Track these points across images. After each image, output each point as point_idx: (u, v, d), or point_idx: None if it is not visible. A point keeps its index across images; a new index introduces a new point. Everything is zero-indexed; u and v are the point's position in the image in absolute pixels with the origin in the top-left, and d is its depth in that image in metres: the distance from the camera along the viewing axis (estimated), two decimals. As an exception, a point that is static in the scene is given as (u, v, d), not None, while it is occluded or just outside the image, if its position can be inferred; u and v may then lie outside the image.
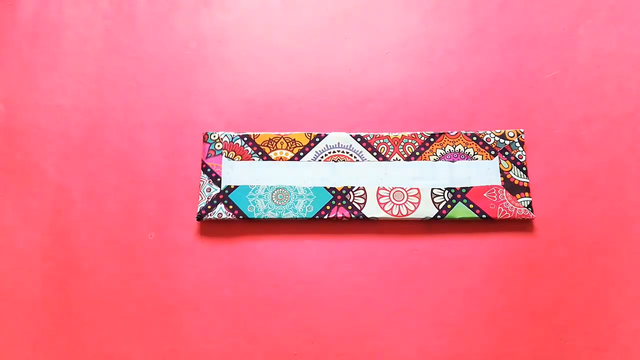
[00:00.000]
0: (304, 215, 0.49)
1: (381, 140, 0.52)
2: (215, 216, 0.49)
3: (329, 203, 0.50)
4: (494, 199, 0.50)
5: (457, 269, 0.49)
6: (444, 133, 0.52)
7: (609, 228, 0.49)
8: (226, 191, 0.50)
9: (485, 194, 0.50)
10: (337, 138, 0.52)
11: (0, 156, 0.54)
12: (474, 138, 0.52)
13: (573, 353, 0.46)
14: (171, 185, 0.52)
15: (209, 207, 0.50)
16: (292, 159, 0.52)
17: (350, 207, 0.50)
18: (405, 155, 0.52)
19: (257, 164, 0.52)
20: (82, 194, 0.52)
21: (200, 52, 0.58)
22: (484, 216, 0.49)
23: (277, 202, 0.50)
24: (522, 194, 0.50)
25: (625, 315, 0.47)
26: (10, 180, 0.53)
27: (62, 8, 0.60)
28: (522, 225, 0.50)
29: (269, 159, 0.52)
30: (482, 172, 0.51)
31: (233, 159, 0.52)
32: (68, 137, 0.54)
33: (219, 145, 0.52)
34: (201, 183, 0.51)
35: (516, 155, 0.51)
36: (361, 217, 0.49)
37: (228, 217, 0.49)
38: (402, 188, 0.50)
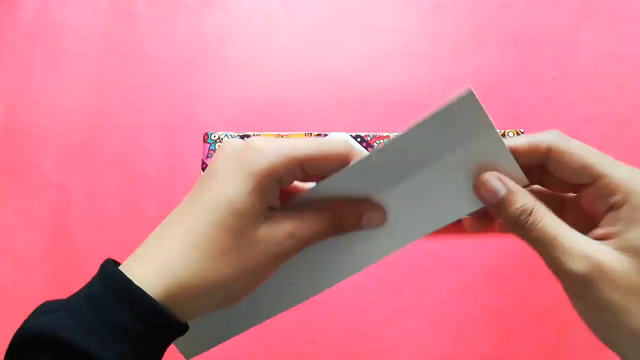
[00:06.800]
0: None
1: (381, 141, 0.52)
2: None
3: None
4: (494, 199, 0.50)
5: (457, 268, 0.49)
6: (444, 133, 0.52)
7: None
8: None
9: (485, 194, 0.50)
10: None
11: (1, 156, 0.54)
12: (474, 138, 0.52)
13: (573, 353, 0.46)
14: (171, 185, 0.52)
15: (209, 207, 0.50)
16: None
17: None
18: (405, 156, 0.52)
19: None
20: (82, 194, 0.52)
21: (200, 53, 0.58)
22: (484, 216, 0.49)
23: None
24: (522, 194, 0.50)
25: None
26: (11, 180, 0.53)
27: (62, 9, 0.60)
28: (522, 225, 0.50)
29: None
30: None
31: (233, 159, 0.52)
32: (68, 137, 0.54)
33: (219, 145, 0.52)
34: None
35: (516, 156, 0.51)
36: (361, 217, 0.49)
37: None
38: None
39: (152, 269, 0.22)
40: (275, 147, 0.23)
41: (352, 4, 0.60)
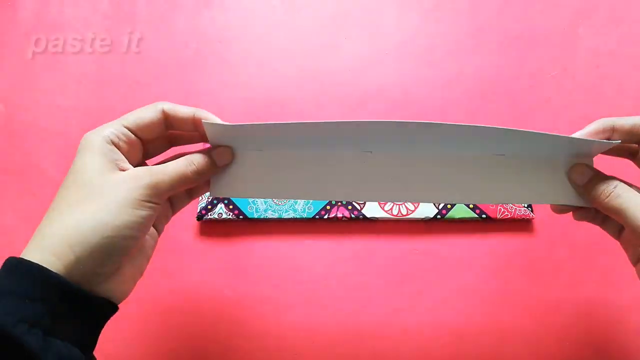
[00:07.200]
0: (304, 215, 0.49)
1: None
2: (215, 216, 0.49)
3: (329, 203, 0.50)
4: (494, 199, 0.50)
5: (456, 268, 0.49)
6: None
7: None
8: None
9: (485, 194, 0.50)
10: (337, 138, 0.53)
11: (1, 156, 0.54)
12: (474, 138, 0.52)
13: (573, 353, 0.46)
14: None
15: (209, 207, 0.50)
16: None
17: (350, 207, 0.50)
18: (405, 155, 0.52)
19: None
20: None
21: (200, 52, 0.58)
22: (483, 216, 0.49)
23: (277, 202, 0.50)
24: (522, 194, 0.50)
25: (625, 315, 0.47)
26: (10, 180, 0.53)
27: (62, 8, 0.60)
28: (522, 225, 0.50)
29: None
30: None
31: (233, 159, 0.52)
32: (68, 137, 0.54)
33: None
34: (201, 183, 0.51)
35: (516, 155, 0.51)
36: (361, 217, 0.49)
37: (228, 217, 0.49)
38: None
39: (34, 245, 0.27)
40: (109, 124, 0.30)
41: (352, 3, 0.60)
